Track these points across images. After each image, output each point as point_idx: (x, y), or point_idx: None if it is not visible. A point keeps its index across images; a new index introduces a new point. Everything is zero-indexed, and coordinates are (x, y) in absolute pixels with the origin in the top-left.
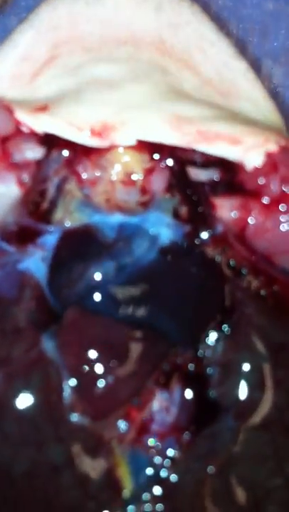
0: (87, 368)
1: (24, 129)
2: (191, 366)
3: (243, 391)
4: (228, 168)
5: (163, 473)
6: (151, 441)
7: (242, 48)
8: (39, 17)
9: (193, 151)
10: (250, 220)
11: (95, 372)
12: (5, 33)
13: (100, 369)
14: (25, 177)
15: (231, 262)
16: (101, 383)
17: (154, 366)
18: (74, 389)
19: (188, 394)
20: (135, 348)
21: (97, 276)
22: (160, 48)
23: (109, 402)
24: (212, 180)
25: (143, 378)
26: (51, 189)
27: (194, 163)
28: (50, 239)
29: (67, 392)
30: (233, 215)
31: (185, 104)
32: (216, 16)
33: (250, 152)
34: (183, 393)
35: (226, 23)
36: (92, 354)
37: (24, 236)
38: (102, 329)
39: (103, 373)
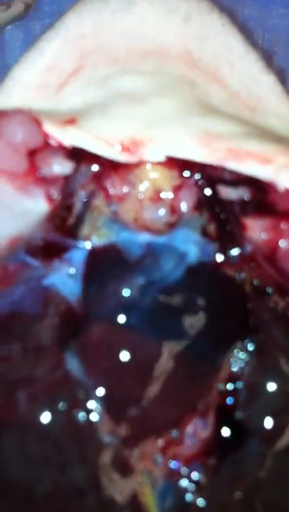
0: (117, 387)
1: (52, 142)
2: (220, 388)
3: (269, 415)
4: (259, 187)
5: (188, 498)
6: (176, 465)
7: (267, 58)
8: (65, 25)
9: (223, 168)
10: (281, 243)
11: (126, 392)
12: (28, 37)
13: (130, 389)
14: (54, 193)
15: (255, 282)
16: (135, 405)
17: (184, 387)
18: (101, 410)
19: (216, 417)
20: (163, 366)
21: (125, 293)
22: (187, 60)
23: (143, 426)
24: (242, 200)
25: (182, 406)
26: (78, 204)
27: (224, 181)
28: (77, 254)
29: (94, 413)
30: (264, 236)
31: (214, 119)
32: (241, 26)
33: (282, 172)
34: (210, 416)
35: (252, 34)
36: (120, 372)
37: (50, 251)
38: (132, 345)
39: (135, 394)
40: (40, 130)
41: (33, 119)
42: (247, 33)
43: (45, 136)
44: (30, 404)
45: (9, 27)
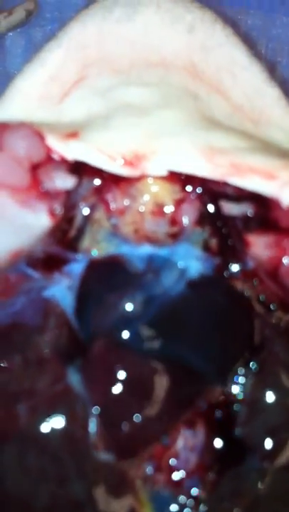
0: (114, 404)
1: (55, 156)
2: (217, 404)
3: (269, 431)
4: (263, 203)
5: None
6: (175, 479)
7: (271, 68)
8: (68, 35)
9: (226, 183)
10: (285, 260)
11: (122, 409)
12: (29, 45)
13: (127, 406)
14: (57, 207)
15: (261, 297)
16: (129, 421)
17: (184, 405)
18: (100, 426)
19: (214, 433)
20: (163, 385)
21: (125, 308)
22: (191, 72)
23: (136, 441)
24: (245, 215)
25: (173, 417)
26: (79, 217)
27: (226, 196)
28: (77, 267)
29: (92, 429)
30: (267, 252)
31: (217, 133)
32: (245, 35)
33: (286, 188)
34: (208, 432)
35: (255, 43)
36: (120, 389)
37: (50, 263)
38: (130, 364)
39: (131, 411)
40: (43, 144)
41: (36, 132)
42: (250, 42)
43: (48, 150)
44: (30, 416)
45: (10, 34)
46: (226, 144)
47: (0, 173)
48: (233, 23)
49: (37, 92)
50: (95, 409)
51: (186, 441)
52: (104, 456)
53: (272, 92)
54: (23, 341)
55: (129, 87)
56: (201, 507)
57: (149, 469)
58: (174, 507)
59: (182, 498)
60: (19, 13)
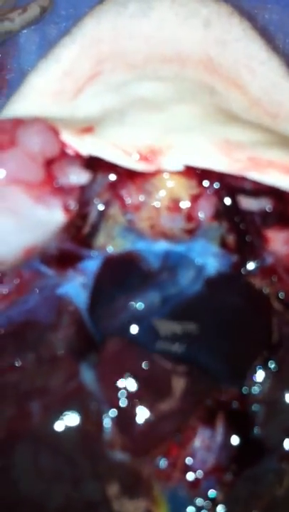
0: (127, 402)
1: (69, 152)
2: (235, 403)
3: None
4: (281, 198)
5: None
6: (191, 479)
7: (288, 62)
8: (82, 30)
9: (244, 178)
10: None
11: (136, 407)
12: (44, 42)
13: (141, 404)
14: (71, 203)
15: (280, 295)
16: (142, 419)
17: (198, 403)
18: (114, 424)
19: (232, 432)
20: (178, 383)
21: (140, 307)
22: (207, 66)
23: (150, 438)
24: (263, 211)
25: (186, 415)
26: (93, 213)
27: (244, 191)
28: (91, 264)
29: (106, 427)
30: (286, 248)
31: (234, 127)
32: (262, 30)
33: None
34: (226, 431)
35: (273, 38)
36: (134, 388)
37: (64, 260)
38: (144, 362)
39: (145, 408)
40: (58, 139)
41: (51, 128)
42: (268, 37)
43: (62, 146)
44: (43, 415)
45: (25, 31)
46: (244, 138)
47: (14, 169)
48: (249, 18)
49: (51, 88)
50: (109, 407)
51: (203, 440)
52: (119, 455)
53: None
54: (36, 339)
55: (144, 82)
56: (218, 509)
57: (162, 467)
58: (190, 509)
59: (199, 500)
60: (34, 10)
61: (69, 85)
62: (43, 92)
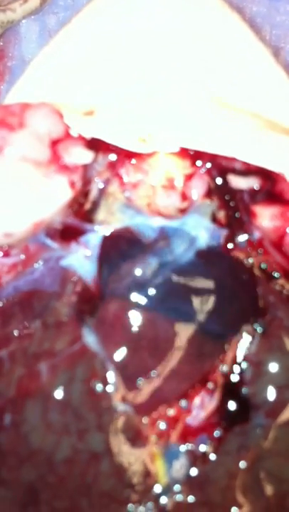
0: (130, 360)
1: (73, 133)
2: (227, 367)
3: (273, 390)
4: (268, 177)
5: (196, 467)
6: (185, 435)
7: (275, 53)
8: (83, 19)
9: (234, 159)
10: None
11: (138, 365)
12: (44, 31)
13: (143, 362)
14: (77, 180)
15: (263, 265)
16: (145, 377)
17: (202, 368)
18: (117, 380)
19: (226, 394)
20: (179, 345)
21: (139, 273)
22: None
23: (153, 398)
24: (252, 189)
25: (191, 380)
26: (94, 190)
27: (234, 171)
28: (93, 238)
29: (111, 384)
30: (272, 223)
31: (226, 111)
32: (249, 22)
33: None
34: (221, 393)
35: (260, 29)
36: (134, 347)
37: (68, 234)
38: (145, 322)
39: (147, 367)
40: (62, 122)
41: (55, 111)
42: (255, 28)
43: (67, 128)
44: (51, 375)
45: (25, 21)
46: (235, 124)
47: (23, 148)
48: (238, 10)
49: (53, 73)
50: (114, 363)
51: (202, 402)
52: (122, 408)
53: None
54: (43, 306)
55: (144, 69)
56: (210, 461)
57: (163, 423)
58: (184, 460)
59: (193, 452)
60: (34, 1)
61: (72, 70)
62: (46, 77)
